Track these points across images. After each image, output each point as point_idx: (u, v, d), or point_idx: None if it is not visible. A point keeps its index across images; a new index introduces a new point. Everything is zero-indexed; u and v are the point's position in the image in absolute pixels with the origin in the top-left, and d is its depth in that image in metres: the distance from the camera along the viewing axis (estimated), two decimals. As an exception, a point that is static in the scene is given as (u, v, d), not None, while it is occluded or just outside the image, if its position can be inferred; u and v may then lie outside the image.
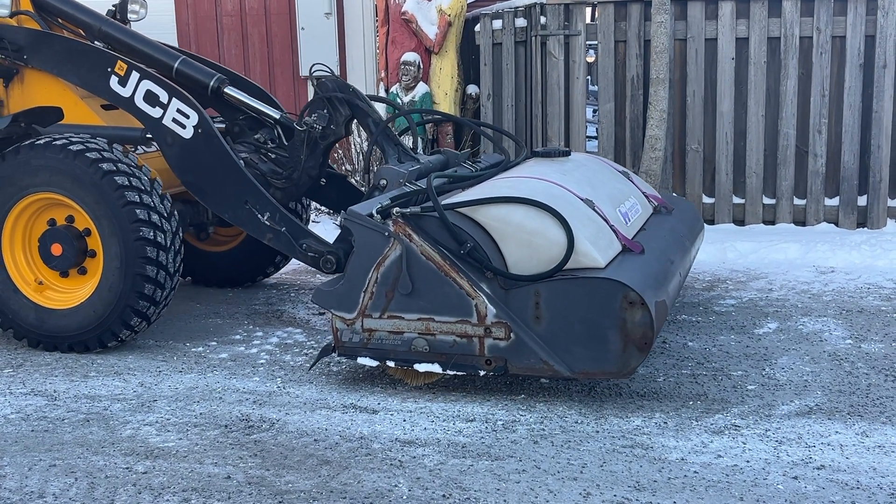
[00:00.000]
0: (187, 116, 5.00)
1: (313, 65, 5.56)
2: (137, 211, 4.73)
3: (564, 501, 3.22)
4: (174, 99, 5.01)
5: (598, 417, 3.94)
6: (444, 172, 4.85)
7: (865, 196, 7.48)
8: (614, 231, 4.33)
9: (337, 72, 9.08)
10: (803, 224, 7.57)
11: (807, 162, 7.54)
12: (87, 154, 4.77)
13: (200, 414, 4.13)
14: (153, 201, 4.82)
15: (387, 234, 4.09)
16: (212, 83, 5.47)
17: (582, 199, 4.38)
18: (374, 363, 4.21)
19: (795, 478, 3.34)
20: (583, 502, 3.21)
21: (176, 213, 4.99)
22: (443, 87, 8.29)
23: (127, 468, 3.58)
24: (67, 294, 5.04)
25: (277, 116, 5.48)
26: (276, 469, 3.53)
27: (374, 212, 4.16)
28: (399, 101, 8.32)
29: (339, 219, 5.10)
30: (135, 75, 5.10)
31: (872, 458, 3.49)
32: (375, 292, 4.14)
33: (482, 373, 4.05)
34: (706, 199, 7.77)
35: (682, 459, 3.51)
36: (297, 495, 3.31)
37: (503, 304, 3.99)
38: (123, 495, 3.36)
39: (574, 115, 8.01)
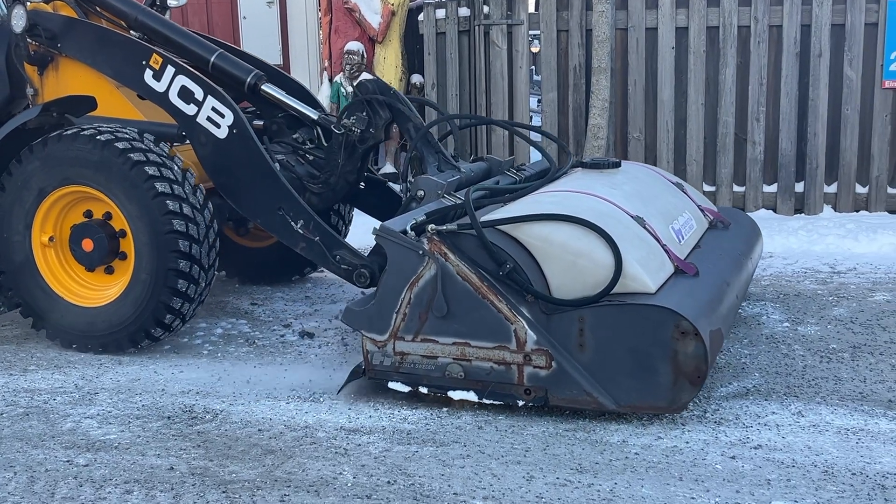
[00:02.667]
0: (222, 115, 4.77)
1: (346, 55, 5.34)
2: (168, 202, 4.51)
3: (508, 484, 3.25)
4: (209, 96, 4.80)
5: (542, 402, 3.99)
6: (484, 184, 4.58)
7: (802, 183, 7.64)
8: (666, 251, 4.06)
9: (279, 61, 9.03)
10: (743, 210, 7.70)
11: (745, 149, 7.68)
12: (117, 144, 4.56)
13: (143, 406, 4.09)
14: (185, 192, 4.59)
15: (421, 252, 3.83)
16: (249, 79, 5.21)
17: (632, 217, 4.12)
18: (406, 389, 3.94)
19: (733, 457, 3.41)
20: (526, 485, 3.25)
21: (210, 204, 4.77)
22: (387, 76, 8.28)
23: (68, 461, 3.54)
24: (97, 291, 4.83)
25: (315, 117, 5.23)
26: (220, 459, 3.52)
27: (407, 228, 3.91)
28: (343, 90, 8.30)
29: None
30: (170, 70, 4.88)
31: (807, 437, 3.58)
32: (408, 314, 3.89)
33: (521, 403, 3.76)
34: (648, 187, 7.86)
35: (623, 442, 3.57)
36: (241, 485, 3.30)
37: (544, 331, 3.72)
38: (64, 488, 3.32)
39: (518, 105, 8.06)
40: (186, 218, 4.55)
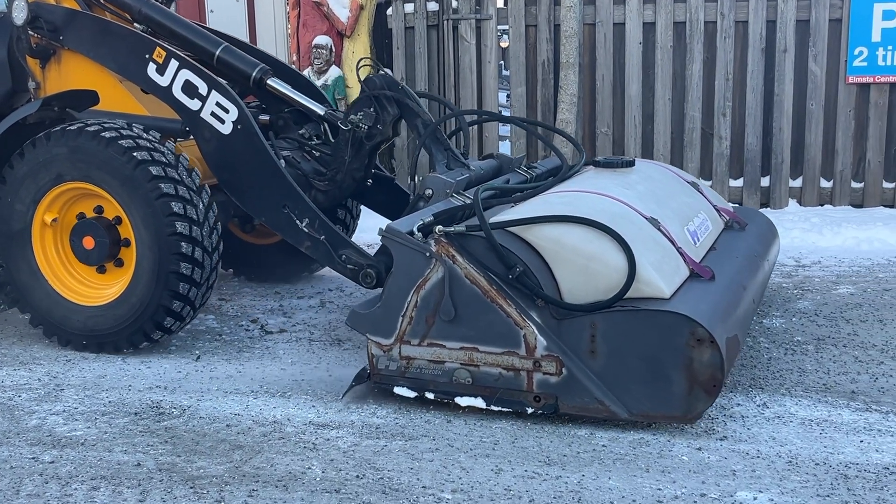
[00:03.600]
0: (227, 111, 4.66)
1: (360, 59, 5.32)
2: (172, 204, 4.41)
3: (477, 477, 3.27)
4: (214, 91, 4.69)
5: (510, 396, 4.00)
6: (494, 184, 4.50)
7: (768, 177, 7.71)
8: (681, 254, 3.96)
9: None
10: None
11: (712, 144, 7.74)
12: (121, 142, 4.45)
13: (109, 402, 4.07)
14: (190, 193, 4.49)
15: (428, 254, 3.73)
16: (254, 73, 5.12)
17: (646, 218, 4.01)
18: (413, 394, 3.83)
19: (699, 449, 3.45)
20: (494, 478, 3.26)
21: (214, 206, 4.64)
22: (355, 70, 8.25)
23: (33, 458, 3.51)
24: (99, 291, 4.72)
25: (322, 112, 5.14)
26: (188, 455, 3.50)
27: (414, 229, 3.82)
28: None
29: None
30: (173, 64, 4.77)
31: (772, 428, 3.62)
32: (415, 317, 3.78)
33: (530, 410, 3.65)
34: (616, 182, 7.91)
35: (591, 434, 3.59)
36: (208, 480, 3.29)
37: (555, 336, 3.61)
38: (29, 485, 3.29)
39: (486, 99, 8.07)
40: (190, 220, 4.45)
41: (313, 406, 3.97)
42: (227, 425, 3.78)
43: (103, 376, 4.39)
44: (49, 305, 4.73)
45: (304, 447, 3.55)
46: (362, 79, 4.99)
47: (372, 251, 4.49)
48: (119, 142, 4.46)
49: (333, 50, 8.17)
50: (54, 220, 4.72)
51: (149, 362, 4.57)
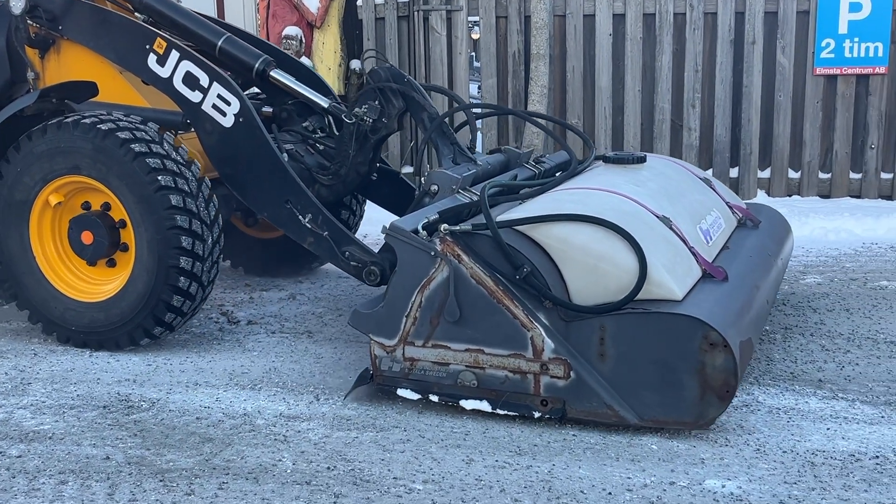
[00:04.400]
0: (228, 103, 4.57)
1: (366, 50, 5.19)
2: (172, 197, 4.32)
3: (448, 468, 3.27)
4: (215, 83, 4.60)
5: (481, 386, 4.01)
6: (501, 180, 4.39)
7: (737, 168, 7.77)
8: (694, 254, 3.87)
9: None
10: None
11: (681, 135, 7.78)
12: (118, 134, 4.36)
13: (78, 395, 4.03)
14: (189, 187, 4.40)
15: (433, 253, 3.63)
16: (257, 65, 5.02)
17: (658, 217, 3.91)
18: (416, 396, 3.74)
19: (668, 438, 3.47)
20: (465, 468, 3.27)
21: (215, 199, 4.56)
22: (326, 62, 8.22)
23: (0, 452, 3.47)
24: (96, 286, 4.64)
25: (326, 105, 5.02)
26: (157, 448, 3.48)
27: (419, 227, 3.71)
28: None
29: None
30: (174, 55, 4.68)
31: (739, 416, 3.65)
32: (419, 318, 3.69)
33: (537, 414, 3.56)
34: (587, 173, 7.94)
35: (561, 424, 3.60)
36: (178, 473, 3.27)
37: (563, 339, 3.52)
38: (-4, 480, 3.26)
39: (457, 91, 8.05)
40: (190, 213, 4.37)
41: (284, 398, 3.95)
42: (197, 418, 3.76)
43: (71, 370, 4.35)
44: (45, 298, 4.64)
45: (275, 439, 3.54)
46: (367, 71, 4.92)
47: (379, 243, 4.40)
48: (116, 134, 4.37)
49: (303, 41, 8.12)
50: (59, 203, 4.61)
51: (117, 356, 4.53)
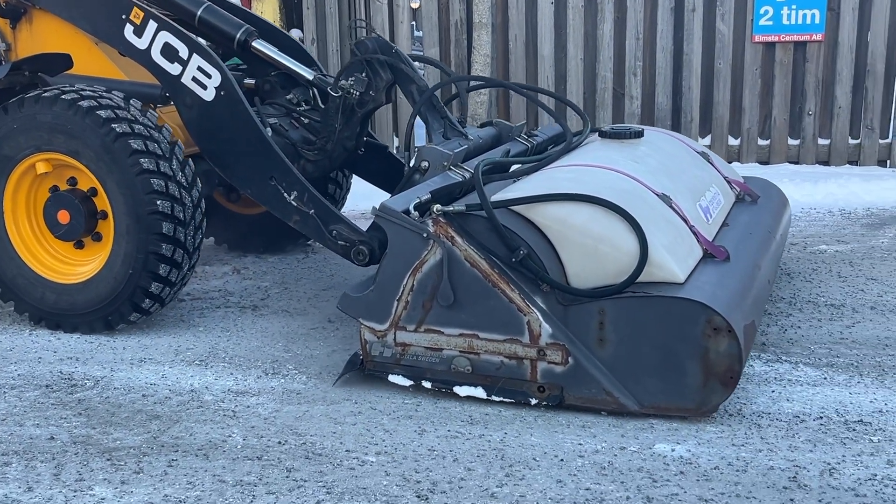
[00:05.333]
0: (209, 76, 4.36)
1: (353, 20, 4.99)
2: (153, 181, 4.14)
3: (400, 439, 3.26)
4: (195, 55, 4.38)
5: (431, 357, 4.00)
6: (495, 157, 4.22)
7: (678, 136, 7.83)
8: (694, 234, 3.75)
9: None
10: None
11: (623, 104, 7.82)
12: (99, 112, 4.16)
13: (18, 375, 3.94)
14: (172, 169, 4.21)
15: (425, 235, 3.50)
16: (238, 35, 4.82)
17: (657, 195, 3.79)
18: (408, 383, 3.61)
19: (622, 449, 3.49)
20: (418, 439, 3.27)
21: (199, 182, 4.37)
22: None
23: (-61, 436, 3.39)
24: (73, 267, 4.46)
25: (310, 77, 4.87)
26: (103, 427, 3.42)
27: (410, 208, 3.58)
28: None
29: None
30: (152, 25, 4.45)
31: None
32: (411, 301, 3.56)
33: (534, 401, 3.45)
34: (530, 142, 7.95)
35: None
36: (126, 452, 3.22)
37: (561, 323, 3.41)
38: (-64, 464, 3.18)
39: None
40: (172, 198, 4.20)
41: (231, 374, 3.91)
42: (143, 395, 3.70)
43: (11, 349, 4.25)
44: (14, 275, 4.47)
45: (224, 415, 3.50)
46: (354, 42, 4.77)
47: (365, 220, 4.28)
48: (97, 112, 4.19)
49: (242, 10, 7.98)
50: (47, 172, 4.42)
51: (58, 333, 4.43)
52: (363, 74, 4.64)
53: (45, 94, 4.29)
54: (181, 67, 4.43)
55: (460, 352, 3.54)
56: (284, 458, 3.15)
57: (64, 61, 4.70)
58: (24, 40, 4.89)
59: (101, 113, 4.19)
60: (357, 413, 3.48)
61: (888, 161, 7.70)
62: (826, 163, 7.72)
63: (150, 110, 4.44)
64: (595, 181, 3.72)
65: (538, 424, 3.35)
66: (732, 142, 7.81)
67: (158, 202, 4.16)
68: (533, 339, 3.42)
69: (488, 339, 3.49)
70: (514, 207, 3.56)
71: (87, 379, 3.88)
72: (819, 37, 7.53)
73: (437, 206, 3.52)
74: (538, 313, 3.41)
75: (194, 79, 4.41)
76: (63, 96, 4.24)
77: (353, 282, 4.16)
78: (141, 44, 4.51)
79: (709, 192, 4.33)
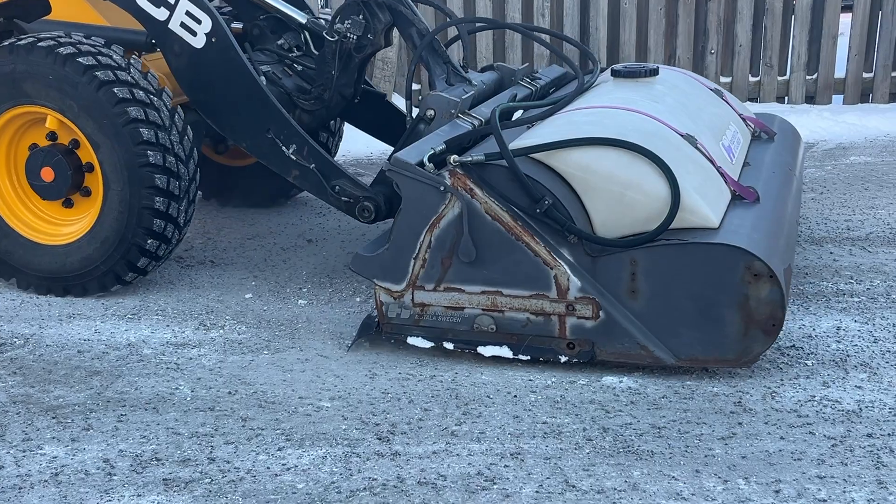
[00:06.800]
0: (199, 21, 4.03)
1: None
2: (143, 130, 3.88)
3: (352, 384, 3.26)
4: None
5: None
6: (506, 102, 3.95)
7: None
8: (722, 175, 3.55)
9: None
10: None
11: (532, 45, 7.84)
12: (80, 59, 3.87)
13: (-60, 337, 3.78)
14: (161, 118, 3.95)
15: (442, 188, 3.29)
16: None
17: (682, 136, 3.56)
18: (429, 344, 3.43)
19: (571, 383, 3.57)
20: (370, 383, 3.27)
21: (190, 131, 4.11)
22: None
23: None
24: (60, 227, 4.21)
25: (303, 21, 4.61)
26: (42, 385, 3.32)
27: (425, 160, 3.35)
28: None
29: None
30: None
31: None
32: (429, 259, 3.36)
33: (563, 359, 3.31)
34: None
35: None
36: (71, 409, 3.13)
37: (590, 276, 3.24)
38: None
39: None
40: (164, 149, 3.94)
41: (167, 326, 3.83)
42: (79, 351, 3.60)
43: (-73, 310, 4.07)
44: (14, 249, 4.21)
45: (167, 368, 3.44)
46: None
47: (362, 164, 4.12)
48: (78, 59, 3.90)
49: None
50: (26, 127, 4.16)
51: (-24, 292, 4.26)
52: (360, 17, 4.35)
53: (20, 43, 4.01)
54: (168, 12, 4.10)
55: (483, 310, 3.38)
56: (237, 408, 3.11)
57: (41, 6, 4.37)
58: None
59: (83, 60, 3.92)
60: (305, 360, 3.47)
61: (786, 97, 7.95)
62: (728, 100, 7.91)
63: (135, 57, 4.17)
64: (617, 124, 3.49)
65: (487, 363, 3.39)
66: (638, 81, 7.92)
67: (150, 153, 3.92)
68: (561, 294, 3.26)
69: (513, 296, 3.33)
70: (534, 155, 3.35)
71: (17, 337, 3.74)
72: (720, -24, 7.68)
73: (453, 157, 3.31)
74: (566, 266, 3.24)
75: (182, 24, 4.09)
76: (40, 44, 3.96)
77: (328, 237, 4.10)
78: None
79: (728, 131, 4.17)
